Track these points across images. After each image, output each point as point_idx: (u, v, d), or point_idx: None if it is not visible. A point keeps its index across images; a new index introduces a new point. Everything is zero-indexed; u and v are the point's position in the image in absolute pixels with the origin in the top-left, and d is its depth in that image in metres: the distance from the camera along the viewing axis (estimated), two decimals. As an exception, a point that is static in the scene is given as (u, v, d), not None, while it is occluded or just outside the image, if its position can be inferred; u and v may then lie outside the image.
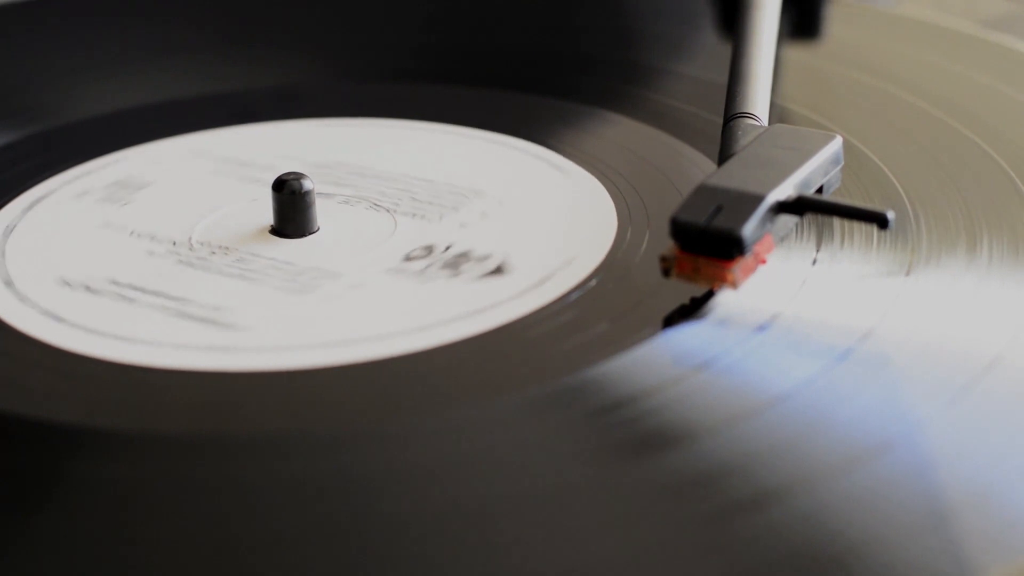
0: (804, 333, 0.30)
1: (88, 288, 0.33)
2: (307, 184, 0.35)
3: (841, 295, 0.31)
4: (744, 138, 0.33)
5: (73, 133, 0.41)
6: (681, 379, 0.29)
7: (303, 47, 0.47)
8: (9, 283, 0.33)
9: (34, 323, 0.32)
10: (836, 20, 0.47)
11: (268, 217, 0.35)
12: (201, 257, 0.34)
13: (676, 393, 0.28)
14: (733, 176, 0.31)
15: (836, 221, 0.34)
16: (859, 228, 0.33)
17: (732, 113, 0.35)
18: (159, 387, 0.30)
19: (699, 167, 0.37)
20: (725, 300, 0.31)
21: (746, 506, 0.25)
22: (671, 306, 0.31)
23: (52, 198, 0.37)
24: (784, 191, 0.31)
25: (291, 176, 0.35)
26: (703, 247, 0.30)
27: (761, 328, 0.30)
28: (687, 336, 0.30)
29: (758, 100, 0.35)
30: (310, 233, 0.35)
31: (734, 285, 0.30)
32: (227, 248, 0.34)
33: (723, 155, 0.33)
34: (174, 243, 0.35)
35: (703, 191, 0.31)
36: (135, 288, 0.33)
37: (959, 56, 0.44)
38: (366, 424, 0.28)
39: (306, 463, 0.27)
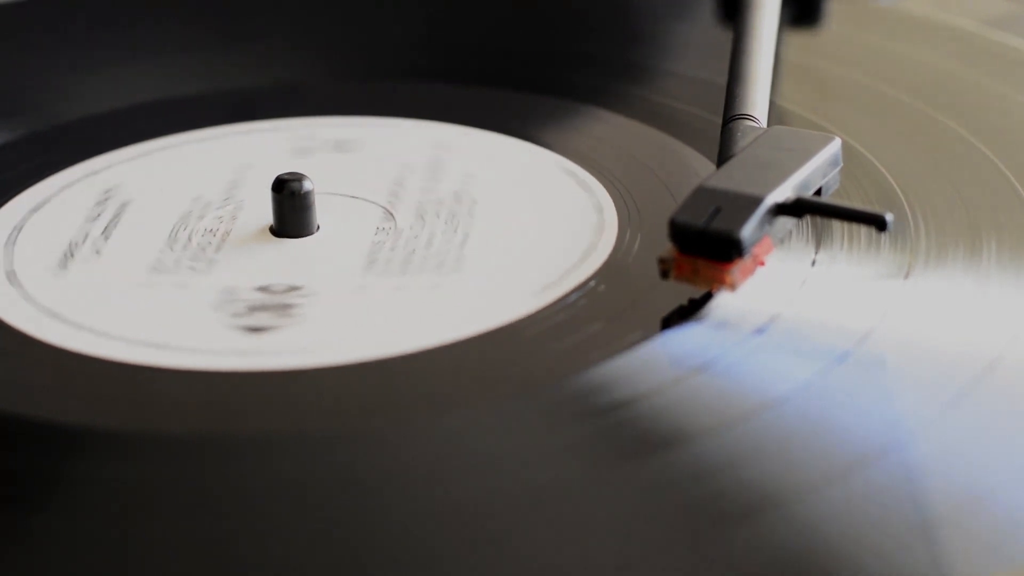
0: (803, 335, 0.30)
1: (107, 294, 0.33)
2: (307, 184, 0.35)
3: (840, 297, 0.31)
4: (743, 140, 0.33)
5: (69, 133, 0.41)
6: (680, 381, 0.29)
7: (302, 46, 0.47)
8: (20, 287, 0.33)
9: (35, 323, 0.32)
10: (836, 19, 0.47)
11: (265, 218, 0.35)
12: (208, 259, 0.34)
13: (675, 395, 0.28)
14: (732, 178, 0.31)
15: (836, 222, 0.34)
16: (859, 230, 0.33)
17: (731, 115, 0.35)
18: (159, 387, 0.30)
19: (698, 167, 0.37)
20: (724, 302, 0.31)
21: (744, 509, 0.25)
22: (670, 307, 0.31)
23: (52, 202, 0.37)
24: (783, 193, 0.31)
25: (291, 176, 0.35)
26: (702, 249, 0.30)
27: (760, 330, 0.30)
28: (686, 337, 0.30)
29: (757, 101, 0.35)
30: (310, 233, 0.35)
31: (732, 287, 0.30)
32: (230, 250, 0.34)
33: (722, 156, 0.33)
34: (173, 247, 0.35)
35: (702, 193, 0.31)
36: (143, 286, 0.33)
37: (959, 56, 0.44)
38: (366, 424, 0.28)
39: (306, 463, 0.27)
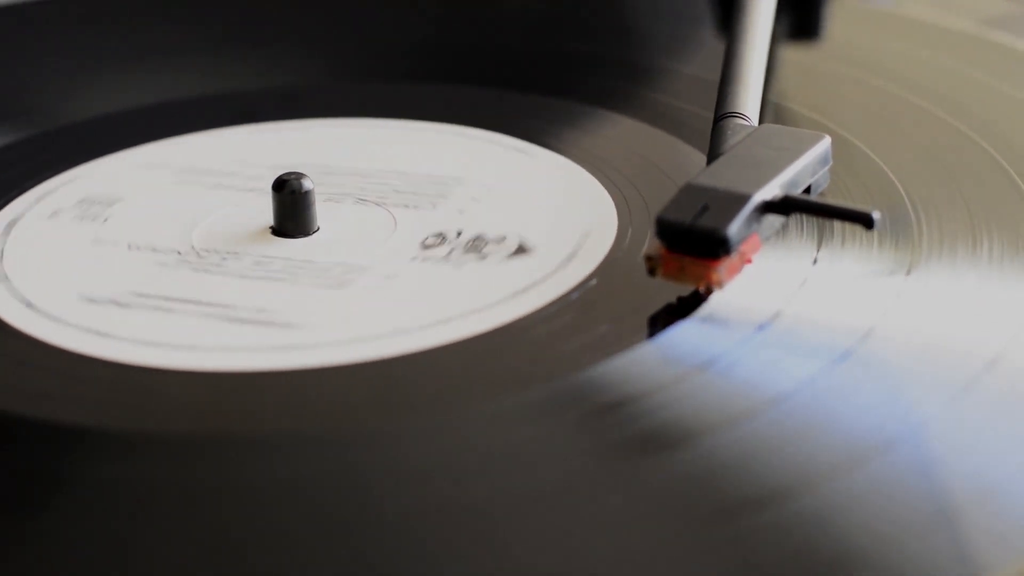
0: (805, 332, 0.30)
1: (116, 303, 0.33)
2: (307, 184, 0.35)
3: (842, 294, 0.31)
4: (733, 138, 0.33)
5: (65, 136, 0.41)
6: (682, 379, 0.29)
7: (301, 46, 0.47)
8: (29, 304, 0.33)
9: (36, 324, 0.32)
10: (836, 19, 0.47)
11: (262, 218, 0.35)
12: (214, 263, 0.34)
13: (677, 393, 0.28)
14: (720, 175, 0.31)
15: (837, 220, 0.34)
16: (860, 227, 0.33)
17: (722, 113, 0.35)
18: (159, 387, 0.30)
19: (699, 166, 0.37)
20: (726, 299, 0.31)
21: (747, 506, 0.25)
22: (670, 306, 0.31)
23: (51, 201, 0.37)
24: (770, 191, 0.31)
25: (291, 176, 0.35)
26: (688, 246, 0.30)
27: (762, 327, 0.30)
28: (688, 335, 0.30)
29: (749, 100, 0.35)
30: (312, 232, 0.35)
31: (719, 285, 0.30)
32: (236, 252, 0.34)
33: (712, 154, 0.33)
34: (179, 252, 0.34)
35: (689, 190, 0.31)
36: (168, 299, 0.33)
37: (960, 55, 0.44)
38: (366, 424, 0.28)
39: (306, 463, 0.27)
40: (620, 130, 0.40)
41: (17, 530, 0.26)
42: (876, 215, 0.30)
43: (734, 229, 0.30)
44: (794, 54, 0.45)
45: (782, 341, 0.30)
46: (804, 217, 0.33)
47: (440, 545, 0.25)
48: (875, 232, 0.33)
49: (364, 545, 0.25)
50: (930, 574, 0.24)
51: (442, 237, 0.35)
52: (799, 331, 0.30)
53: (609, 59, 0.45)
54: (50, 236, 0.36)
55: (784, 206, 0.31)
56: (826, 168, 0.33)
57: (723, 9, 0.46)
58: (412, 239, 0.35)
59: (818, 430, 0.27)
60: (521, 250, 0.34)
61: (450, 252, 0.34)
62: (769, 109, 0.40)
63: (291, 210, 0.35)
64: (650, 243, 0.31)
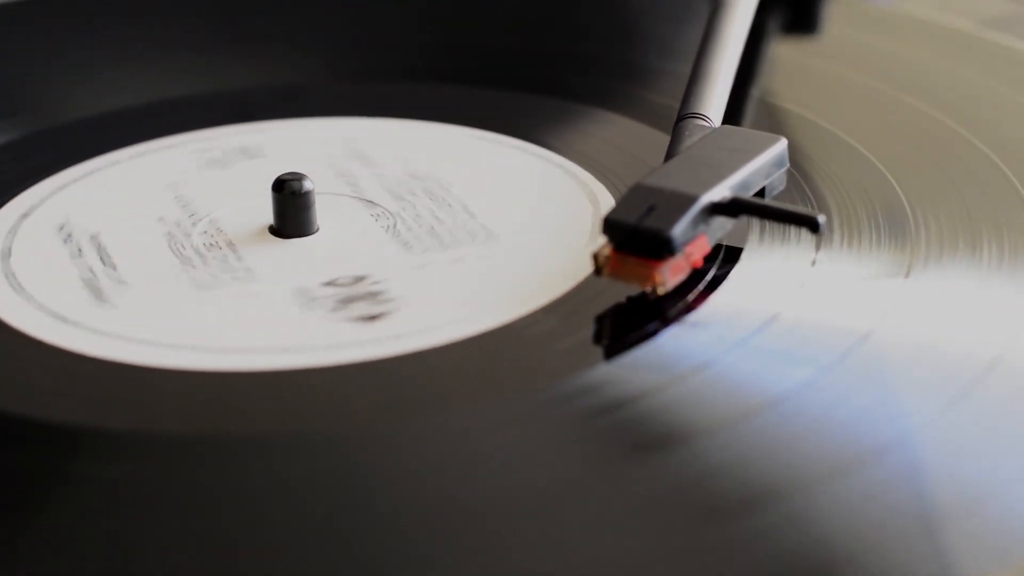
0: (803, 335, 0.30)
1: (122, 303, 0.32)
2: (307, 184, 0.35)
3: (840, 297, 0.31)
4: (690, 139, 0.33)
5: (66, 133, 0.41)
6: (679, 380, 0.29)
7: (300, 46, 0.47)
8: (34, 303, 0.33)
9: (36, 324, 0.32)
10: (835, 18, 0.47)
11: (261, 219, 0.35)
12: (219, 264, 0.34)
13: (674, 394, 0.28)
14: (670, 176, 0.31)
15: (837, 220, 0.34)
16: (859, 229, 0.33)
17: (683, 113, 0.35)
18: (159, 387, 0.30)
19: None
20: (724, 301, 0.31)
21: (743, 508, 0.25)
22: (669, 307, 0.31)
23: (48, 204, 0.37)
24: (719, 192, 0.31)
25: (291, 176, 0.35)
26: (634, 246, 0.30)
27: (760, 330, 0.30)
28: (685, 337, 0.30)
29: (712, 102, 0.35)
30: (312, 232, 0.35)
31: (662, 285, 0.30)
32: (237, 252, 0.34)
33: (669, 155, 0.33)
34: (182, 255, 0.34)
35: (638, 190, 0.31)
36: (176, 298, 0.33)
37: (959, 56, 0.44)
38: (366, 424, 0.28)
39: (306, 463, 0.27)
40: (618, 130, 0.40)
41: (17, 530, 0.26)
42: (822, 219, 0.30)
43: (679, 230, 0.30)
44: (792, 53, 0.45)
45: (780, 343, 0.30)
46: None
47: (439, 545, 0.25)
48: (873, 234, 0.33)
49: (364, 545, 0.25)
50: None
51: (440, 234, 0.35)
52: (797, 333, 0.30)
53: (607, 59, 0.45)
54: (55, 239, 0.36)
55: (732, 208, 0.31)
56: (782, 171, 0.33)
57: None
58: (412, 237, 0.35)
59: (816, 432, 0.27)
60: (518, 248, 0.34)
61: (448, 249, 0.34)
62: (767, 109, 0.40)
63: (291, 210, 0.35)
64: (599, 243, 0.31)
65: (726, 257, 0.32)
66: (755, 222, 0.33)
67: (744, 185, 0.32)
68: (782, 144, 0.33)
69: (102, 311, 0.32)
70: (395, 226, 0.35)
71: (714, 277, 0.32)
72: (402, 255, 0.34)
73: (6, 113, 0.42)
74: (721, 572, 0.24)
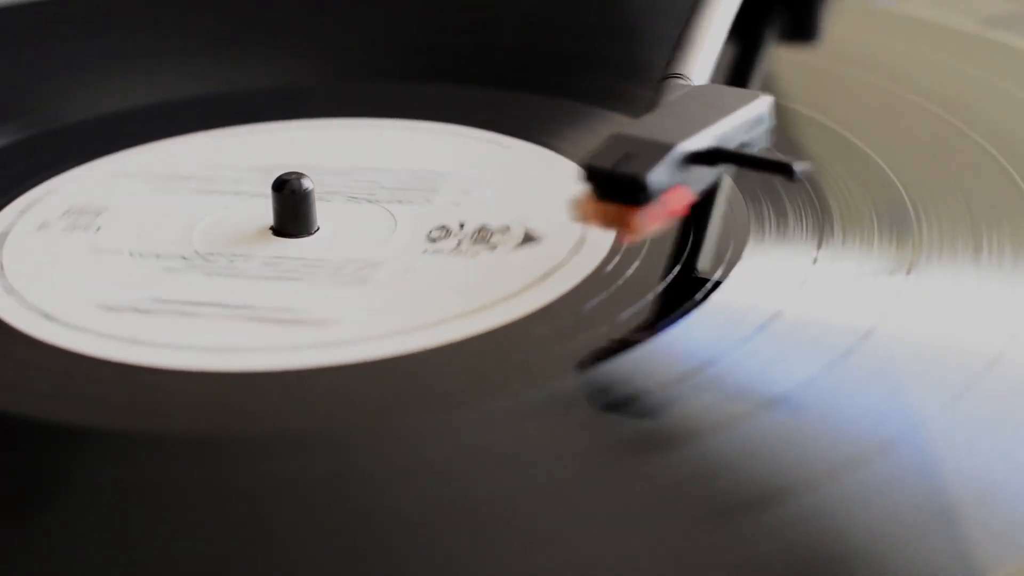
0: (805, 332, 0.30)
1: (137, 309, 0.32)
2: (307, 184, 0.35)
3: (842, 294, 0.31)
4: (670, 95, 0.34)
5: (65, 135, 0.41)
6: (682, 378, 0.29)
7: (300, 46, 0.47)
8: (47, 315, 0.33)
9: (35, 324, 0.32)
10: (836, 18, 0.47)
11: (260, 219, 0.35)
12: (223, 265, 0.34)
13: (677, 392, 0.28)
14: (647, 127, 0.31)
15: (837, 219, 0.34)
16: (860, 227, 0.33)
17: (666, 74, 0.35)
18: (159, 387, 0.30)
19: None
20: (727, 299, 0.31)
21: (747, 506, 0.25)
22: (672, 305, 0.31)
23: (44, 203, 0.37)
24: (697, 142, 0.31)
25: (291, 176, 0.35)
26: (612, 193, 0.30)
27: (762, 327, 0.30)
28: (688, 335, 0.30)
29: (696, 63, 0.36)
30: (313, 231, 0.35)
31: (639, 231, 0.30)
32: (242, 254, 0.34)
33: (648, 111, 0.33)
34: (184, 257, 0.34)
35: (617, 139, 0.31)
36: (188, 303, 0.32)
37: (960, 54, 0.44)
38: (366, 424, 0.28)
39: (306, 463, 0.27)
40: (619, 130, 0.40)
41: (17, 530, 0.26)
42: (799, 167, 0.30)
43: (654, 175, 0.30)
44: (794, 53, 0.45)
45: (782, 341, 0.30)
46: (803, 215, 0.33)
47: (440, 545, 0.25)
48: (876, 230, 0.33)
49: (364, 545, 0.25)
50: (931, 574, 0.24)
51: (446, 230, 0.35)
52: (799, 331, 0.30)
53: (608, 59, 0.45)
54: (46, 247, 0.35)
55: (710, 157, 0.31)
56: (763, 128, 0.33)
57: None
58: (416, 233, 0.35)
59: (818, 430, 0.27)
60: (518, 249, 0.34)
61: (459, 243, 0.34)
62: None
63: (291, 210, 0.35)
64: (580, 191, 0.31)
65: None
66: (756, 222, 0.33)
67: (723, 138, 0.32)
68: (764, 101, 0.33)
69: (91, 307, 0.32)
70: (395, 227, 0.35)
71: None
72: (399, 256, 0.34)
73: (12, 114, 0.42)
74: (722, 572, 0.24)
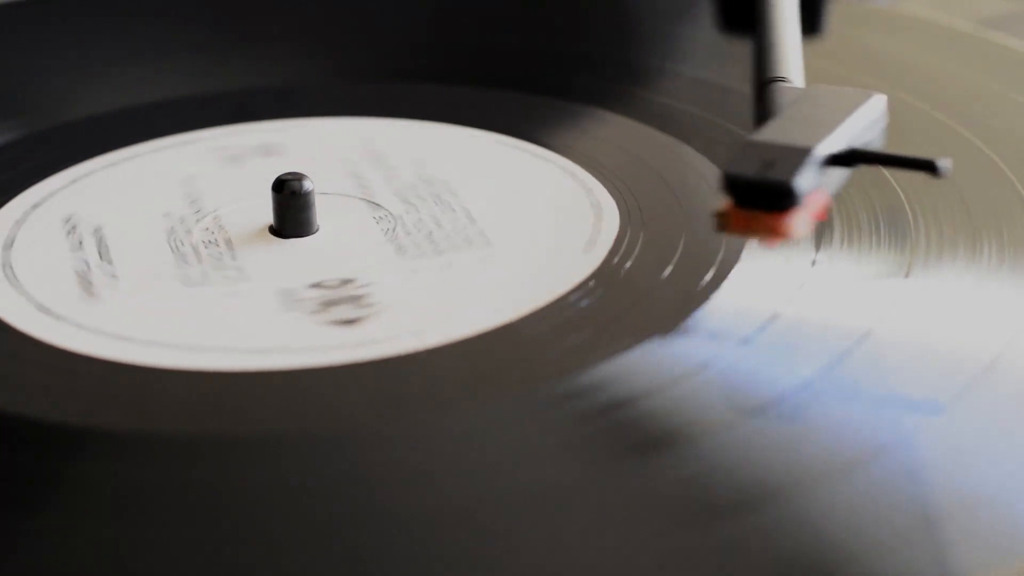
0: (802, 335, 0.30)
1: (133, 309, 0.32)
2: (307, 184, 0.35)
3: (840, 296, 0.31)
4: (783, 99, 0.33)
5: (65, 133, 0.41)
6: (679, 381, 0.29)
7: (299, 46, 0.47)
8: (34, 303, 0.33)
9: (24, 317, 0.32)
10: (834, 18, 0.47)
11: (260, 220, 0.35)
12: (223, 264, 0.34)
13: (674, 395, 0.28)
14: (779, 132, 0.31)
15: (837, 219, 0.34)
16: (858, 228, 0.33)
17: (766, 78, 0.35)
18: (159, 387, 0.30)
19: (699, 167, 0.37)
20: (724, 301, 0.31)
21: (743, 508, 0.25)
22: (669, 307, 0.31)
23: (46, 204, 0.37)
24: (833, 144, 0.31)
25: (291, 176, 0.35)
26: (756, 200, 0.30)
27: (760, 330, 0.30)
28: (685, 337, 0.30)
29: (791, 64, 0.35)
30: (312, 232, 0.35)
31: (790, 237, 0.30)
32: (239, 252, 0.34)
33: (760, 117, 0.33)
34: (184, 257, 0.34)
35: (750, 146, 0.31)
36: (186, 303, 0.33)
37: (958, 55, 0.44)
38: (366, 424, 0.28)
39: (306, 463, 0.27)
40: (619, 131, 0.40)
41: (17, 530, 0.26)
42: (942, 163, 0.30)
43: (801, 180, 0.30)
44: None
45: (780, 343, 0.30)
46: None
47: (439, 545, 0.25)
48: (873, 234, 0.33)
49: (364, 545, 0.25)
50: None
51: (439, 235, 0.35)
52: (797, 333, 0.30)
53: (608, 59, 0.45)
54: (59, 232, 0.36)
55: (849, 158, 0.31)
56: (881, 126, 0.33)
57: (725, 7, 0.46)
58: (412, 237, 0.35)
59: (815, 432, 0.27)
60: (518, 249, 0.34)
61: (447, 250, 0.34)
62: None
63: (291, 210, 0.35)
64: (719, 201, 0.31)
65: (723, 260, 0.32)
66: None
67: (853, 139, 0.32)
68: (881, 99, 0.33)
69: (88, 306, 0.32)
70: (395, 229, 0.35)
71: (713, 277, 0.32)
72: (395, 259, 0.34)
73: (16, 110, 0.42)
74: (720, 572, 0.24)
